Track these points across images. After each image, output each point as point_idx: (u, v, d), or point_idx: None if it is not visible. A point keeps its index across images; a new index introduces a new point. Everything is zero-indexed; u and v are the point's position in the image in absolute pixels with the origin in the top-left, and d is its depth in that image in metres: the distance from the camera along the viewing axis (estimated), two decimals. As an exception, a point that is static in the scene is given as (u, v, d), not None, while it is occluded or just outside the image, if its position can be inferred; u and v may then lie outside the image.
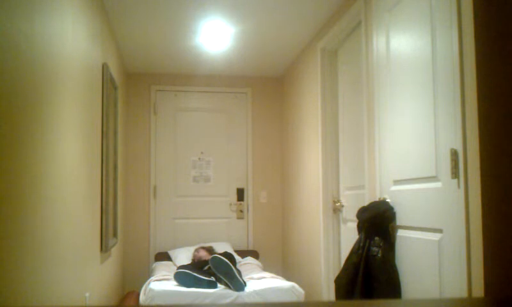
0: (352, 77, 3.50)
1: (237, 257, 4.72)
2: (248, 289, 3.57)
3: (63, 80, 2.24)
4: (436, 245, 2.21)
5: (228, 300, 3.43)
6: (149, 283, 3.68)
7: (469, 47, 1.96)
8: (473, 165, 1.93)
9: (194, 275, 3.59)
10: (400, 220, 2.56)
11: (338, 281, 2.75)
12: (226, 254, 3.82)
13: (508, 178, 0.90)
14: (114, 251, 4.13)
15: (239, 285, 3.53)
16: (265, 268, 4.85)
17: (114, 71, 4.00)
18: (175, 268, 4.22)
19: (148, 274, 4.85)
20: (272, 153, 5.50)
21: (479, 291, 1.90)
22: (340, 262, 3.67)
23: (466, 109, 2.00)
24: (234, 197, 5.40)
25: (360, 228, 2.72)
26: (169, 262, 4.78)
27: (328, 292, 3.81)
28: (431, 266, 2.26)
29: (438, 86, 2.22)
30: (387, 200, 2.67)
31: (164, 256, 4.99)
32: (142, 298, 3.55)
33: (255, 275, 4.01)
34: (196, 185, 5.33)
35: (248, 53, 4.64)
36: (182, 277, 3.60)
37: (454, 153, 2.06)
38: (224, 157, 5.40)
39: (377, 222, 2.59)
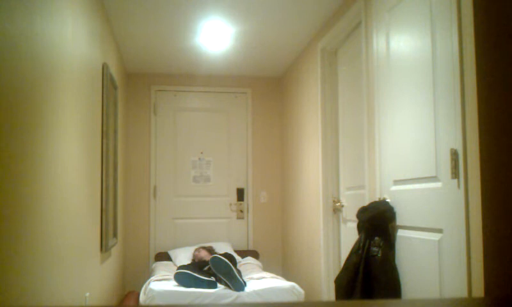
0: (352, 77, 3.50)
1: (237, 257, 4.72)
2: (248, 289, 3.57)
3: (63, 80, 2.24)
4: (436, 245, 2.21)
5: (228, 300, 3.43)
6: (149, 283, 3.68)
7: (469, 47, 1.96)
8: (473, 165, 1.93)
9: (194, 276, 3.59)
10: (400, 220, 2.56)
11: (338, 281, 2.75)
12: (227, 255, 3.82)
13: (508, 178, 0.90)
14: (114, 251, 4.13)
15: (239, 285, 3.53)
16: (265, 268, 4.85)
17: (114, 71, 4.00)
18: (175, 268, 4.22)
19: (148, 274, 4.85)
20: (272, 153, 5.50)
21: (479, 291, 1.90)
22: (340, 262, 3.67)
23: (466, 109, 2.00)
24: (234, 197, 5.40)
25: (360, 228, 2.72)
26: (169, 262, 4.79)
27: (328, 292, 3.81)
28: (431, 266, 2.26)
29: (438, 86, 2.22)
30: (387, 200, 2.67)
31: (164, 256, 4.99)
32: (142, 298, 3.55)
33: (255, 275, 4.01)
34: (196, 185, 5.33)
35: (248, 53, 4.64)
36: (182, 278, 3.60)
37: (454, 153, 2.06)
38: (224, 157, 5.40)
39: (377, 222, 2.59)
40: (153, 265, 4.76)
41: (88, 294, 2.85)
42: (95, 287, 3.14)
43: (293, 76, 4.95)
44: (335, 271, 3.69)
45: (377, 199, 2.77)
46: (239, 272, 3.71)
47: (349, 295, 2.64)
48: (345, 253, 3.29)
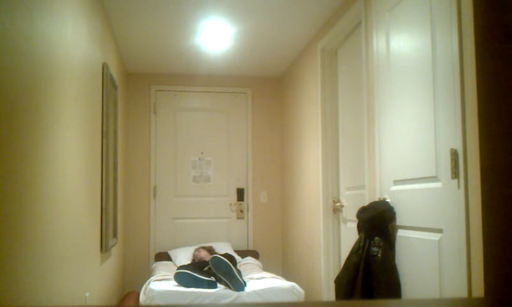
0: (352, 77, 3.50)
1: (237, 257, 4.72)
2: (247, 289, 3.57)
3: (63, 80, 2.24)
4: (436, 245, 2.22)
5: (228, 300, 3.43)
6: (149, 283, 3.68)
7: (469, 47, 1.96)
8: (473, 165, 1.93)
9: (194, 276, 3.59)
10: (400, 220, 2.56)
11: (338, 281, 2.75)
12: (227, 255, 3.82)
13: (508, 178, 0.90)
14: (114, 251, 4.13)
15: (239, 285, 3.53)
16: (265, 268, 4.85)
17: (114, 71, 4.00)
18: (175, 268, 4.22)
19: (148, 274, 4.85)
20: (272, 153, 5.50)
21: (479, 291, 1.90)
22: (340, 262, 3.67)
23: (466, 109, 2.00)
24: (234, 197, 5.40)
25: (359, 228, 2.72)
26: (169, 262, 4.79)
27: (328, 292, 3.81)
28: (431, 266, 2.26)
29: (438, 86, 2.22)
30: (387, 200, 2.67)
31: (164, 256, 4.99)
32: (142, 298, 3.55)
33: (255, 275, 4.01)
34: (196, 185, 5.33)
35: (248, 53, 4.64)
36: (182, 278, 3.60)
37: (454, 153, 2.06)
38: (224, 157, 5.40)
39: (377, 222, 2.59)
40: (153, 265, 4.76)
41: (87, 294, 2.85)
42: (95, 287, 3.14)
43: (293, 76, 4.94)
44: (335, 271, 3.69)
45: (377, 199, 2.77)
46: (239, 272, 3.71)
47: (349, 295, 2.64)
48: (345, 253, 3.29)
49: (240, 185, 5.42)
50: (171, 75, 5.35)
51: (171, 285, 3.59)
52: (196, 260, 4.50)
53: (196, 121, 5.38)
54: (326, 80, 3.94)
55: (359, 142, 3.29)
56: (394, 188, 2.64)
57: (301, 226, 4.59)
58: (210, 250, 4.65)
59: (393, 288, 2.48)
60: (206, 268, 3.85)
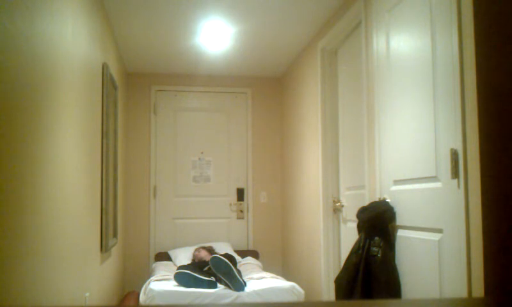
0: (352, 77, 3.50)
1: (237, 257, 4.72)
2: (248, 289, 3.57)
3: (63, 80, 2.24)
4: (436, 245, 2.22)
5: (228, 300, 3.43)
6: (149, 283, 3.68)
7: (469, 47, 1.96)
8: (473, 165, 1.93)
9: (194, 276, 3.59)
10: (400, 220, 2.56)
11: (338, 281, 2.75)
12: (227, 255, 3.82)
13: (508, 178, 0.90)
14: (114, 251, 4.13)
15: (239, 285, 3.53)
16: (265, 268, 4.85)
17: (114, 71, 4.00)
18: (175, 268, 4.22)
19: (148, 274, 4.85)
20: (272, 153, 5.50)
21: (479, 291, 1.90)
22: (340, 262, 3.67)
23: (466, 109, 2.00)
24: (234, 197, 5.40)
25: (359, 227, 2.72)
26: (169, 262, 4.79)
27: (328, 292, 3.81)
28: (431, 266, 2.26)
29: (438, 86, 2.22)
30: (387, 200, 2.67)
31: (164, 256, 4.99)
32: (142, 298, 3.55)
33: (255, 275, 4.01)
34: (196, 185, 5.33)
35: (248, 53, 4.64)
36: (182, 278, 3.60)
37: (454, 153, 2.06)
38: (224, 157, 5.40)
39: (377, 222, 2.59)
40: (153, 265, 4.76)
41: (87, 294, 2.85)
42: (95, 287, 3.14)
43: (293, 76, 4.94)
44: (335, 271, 3.69)
45: (377, 199, 2.77)
46: (239, 272, 3.71)
47: (349, 295, 2.64)
48: (345, 253, 3.29)
49: (240, 185, 5.42)
50: (171, 75, 5.35)
51: (171, 285, 3.59)
52: (196, 260, 4.50)
53: (196, 121, 5.38)
54: (326, 80, 3.94)
55: (359, 142, 3.29)
56: (394, 188, 2.64)
57: (301, 226, 4.59)
58: (210, 250, 4.65)
59: (393, 288, 2.48)
60: (206, 268, 3.86)
